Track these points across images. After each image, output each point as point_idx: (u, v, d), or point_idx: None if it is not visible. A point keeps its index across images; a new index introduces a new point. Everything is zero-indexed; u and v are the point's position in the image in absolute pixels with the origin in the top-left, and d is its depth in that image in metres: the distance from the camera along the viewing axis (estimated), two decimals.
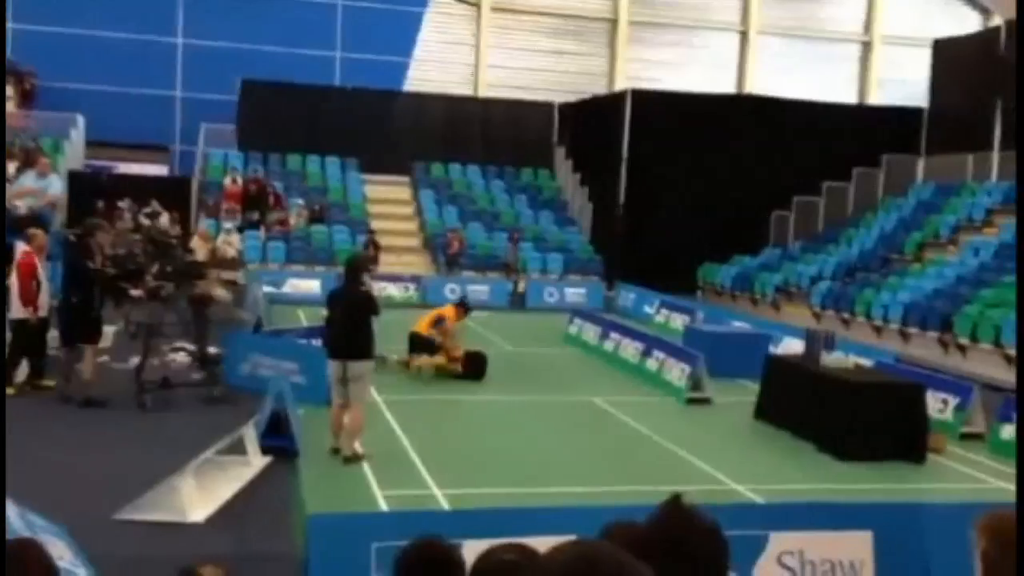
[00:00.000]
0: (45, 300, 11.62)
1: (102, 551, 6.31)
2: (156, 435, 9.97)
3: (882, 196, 26.00)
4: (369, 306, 9.47)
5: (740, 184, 25.76)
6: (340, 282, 10.49)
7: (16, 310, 11.30)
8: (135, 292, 11.53)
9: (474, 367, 13.84)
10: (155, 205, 23.75)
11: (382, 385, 12.16)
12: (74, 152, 27.82)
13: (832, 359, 11.58)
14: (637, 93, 27.45)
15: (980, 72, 23.65)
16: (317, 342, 13.45)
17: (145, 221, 22.89)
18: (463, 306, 14.45)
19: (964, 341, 17.15)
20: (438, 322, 13.91)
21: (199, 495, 7.75)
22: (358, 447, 9.44)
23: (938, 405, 11.89)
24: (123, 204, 23.58)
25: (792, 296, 22.99)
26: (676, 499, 2.20)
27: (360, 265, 9.89)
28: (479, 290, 24.10)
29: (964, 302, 18.06)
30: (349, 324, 9.36)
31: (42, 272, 11.65)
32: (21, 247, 11.66)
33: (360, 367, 9.37)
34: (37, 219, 13.09)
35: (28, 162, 21.00)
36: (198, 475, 7.90)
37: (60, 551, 5.72)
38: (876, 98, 35.06)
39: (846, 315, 20.25)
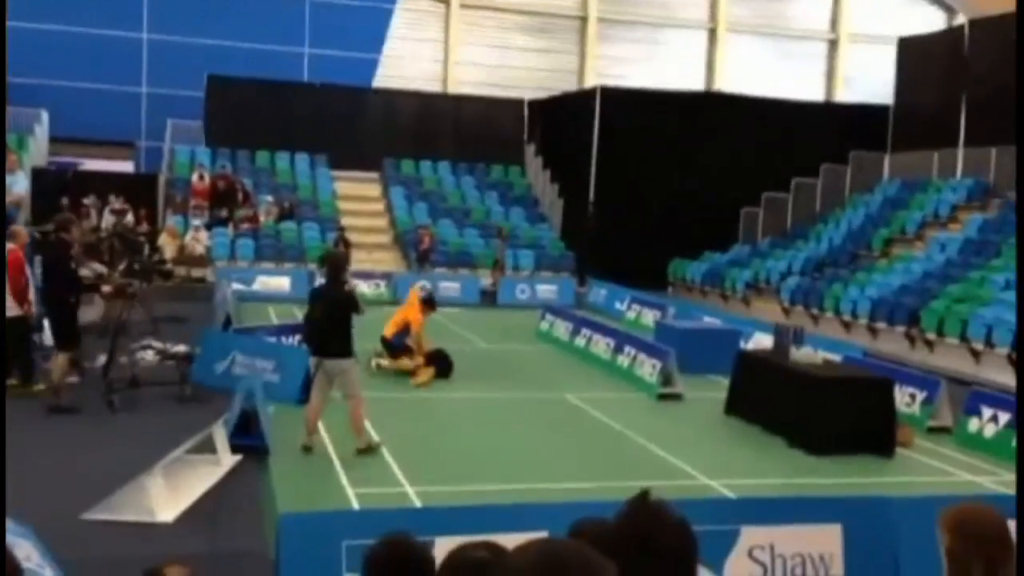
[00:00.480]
0: (33, 298, 11.40)
1: (70, 552, 6.23)
2: (124, 434, 9.85)
3: (849, 192, 26.27)
4: (351, 305, 9.49)
5: (709, 181, 25.91)
6: (321, 280, 10.43)
7: (10, 308, 11.03)
8: (105, 289, 11.40)
9: (438, 367, 13.76)
10: (115, 202, 23.47)
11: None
12: (38, 149, 27.41)
13: (801, 354, 11.67)
14: (606, 90, 27.51)
15: (945, 70, 23.94)
16: (286, 339, 13.39)
17: (111, 218, 22.67)
18: (428, 303, 14.31)
19: (931, 336, 17.36)
20: (404, 332, 13.77)
21: (168, 494, 7.67)
22: (372, 437, 9.63)
23: (906, 399, 12.03)
24: (88, 201, 23.33)
25: (762, 292, 23.17)
26: (644, 495, 2.20)
27: (340, 263, 9.86)
28: (450, 287, 24.06)
29: (931, 297, 18.28)
30: (328, 322, 9.40)
31: (28, 269, 11.43)
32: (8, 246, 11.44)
33: (339, 365, 9.41)
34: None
35: None
36: (167, 474, 7.82)
37: (27, 551, 5.64)
38: (843, 95, 35.41)
39: (815, 310, 20.44)
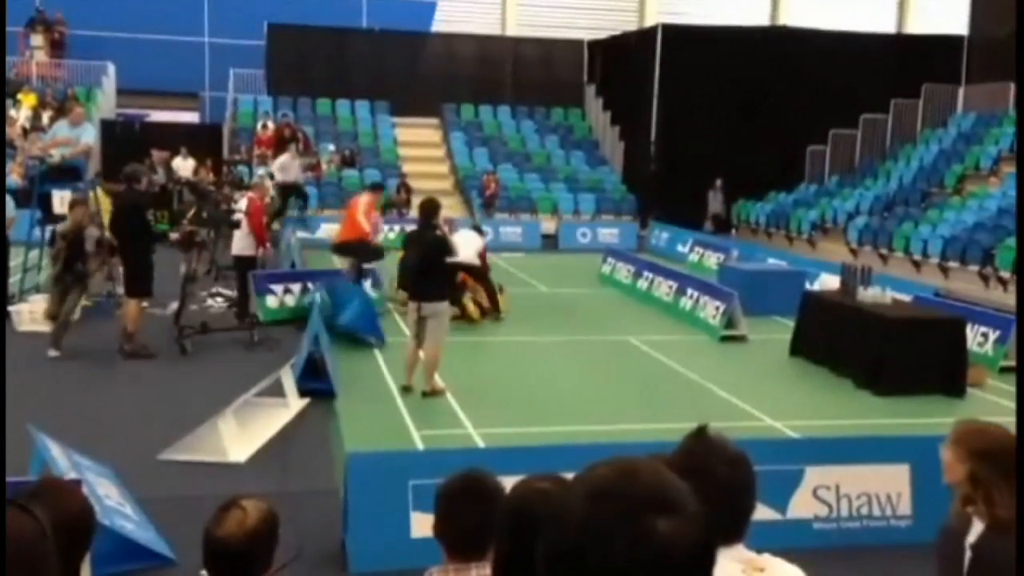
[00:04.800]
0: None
1: (147, 490, 6.47)
2: (196, 379, 10.12)
3: (921, 127, 25.45)
4: (444, 248, 9.60)
5: (774, 119, 25.31)
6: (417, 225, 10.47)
7: (245, 248, 12.47)
8: (173, 236, 11.64)
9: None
10: (184, 157, 23.81)
11: None
12: (106, 101, 27.91)
13: (869, 294, 11.46)
14: (668, 28, 26.92)
15: None
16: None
17: (182, 163, 23.05)
18: (373, 187, 15.43)
19: (1005, 274, 16.88)
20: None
21: (240, 436, 7.88)
22: (437, 381, 9.74)
23: (978, 339, 11.77)
24: (157, 153, 23.71)
25: (828, 232, 22.71)
26: (702, 430, 2.20)
27: (433, 208, 9.81)
28: (512, 232, 24.07)
29: (1006, 234, 17.71)
30: (422, 266, 9.51)
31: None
32: (248, 199, 12.86)
33: (433, 307, 9.49)
34: (70, 169, 13.12)
35: (61, 111, 21.11)
36: (238, 417, 8.03)
37: (107, 490, 5.87)
38: (915, 27, 34.13)
39: (884, 250, 19.98)
